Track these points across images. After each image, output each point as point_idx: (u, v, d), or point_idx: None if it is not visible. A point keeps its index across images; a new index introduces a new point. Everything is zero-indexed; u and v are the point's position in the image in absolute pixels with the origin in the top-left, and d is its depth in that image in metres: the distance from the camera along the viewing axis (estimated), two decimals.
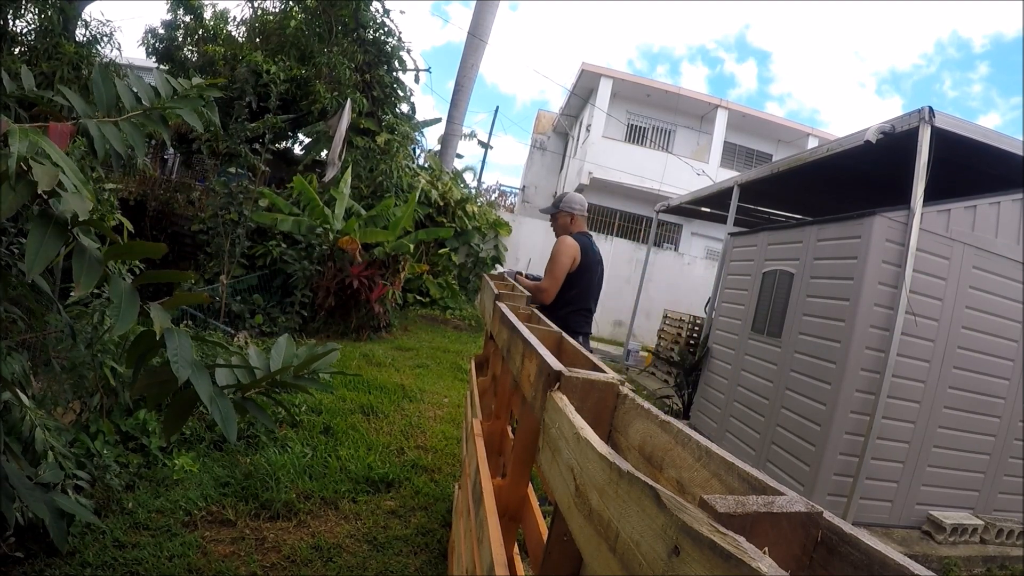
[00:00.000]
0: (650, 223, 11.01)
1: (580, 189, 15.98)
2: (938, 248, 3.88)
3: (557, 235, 3.36)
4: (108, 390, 2.63)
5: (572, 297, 3.20)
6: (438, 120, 12.03)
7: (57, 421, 2.14)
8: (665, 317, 9.40)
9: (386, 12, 9.60)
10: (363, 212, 8.03)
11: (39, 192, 0.92)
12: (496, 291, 2.29)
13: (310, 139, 10.20)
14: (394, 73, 10.09)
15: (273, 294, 6.87)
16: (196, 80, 1.31)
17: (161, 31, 10.78)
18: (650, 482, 0.49)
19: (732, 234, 6.23)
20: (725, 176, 10.32)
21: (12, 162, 0.88)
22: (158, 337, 1.01)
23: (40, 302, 2.01)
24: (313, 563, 2.29)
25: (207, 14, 10.61)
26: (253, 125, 7.28)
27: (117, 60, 8.39)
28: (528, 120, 59.64)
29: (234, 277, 6.28)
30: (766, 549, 0.43)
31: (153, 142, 9.71)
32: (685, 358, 6.51)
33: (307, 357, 1.25)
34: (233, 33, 10.59)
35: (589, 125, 15.96)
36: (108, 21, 8.91)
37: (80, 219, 0.91)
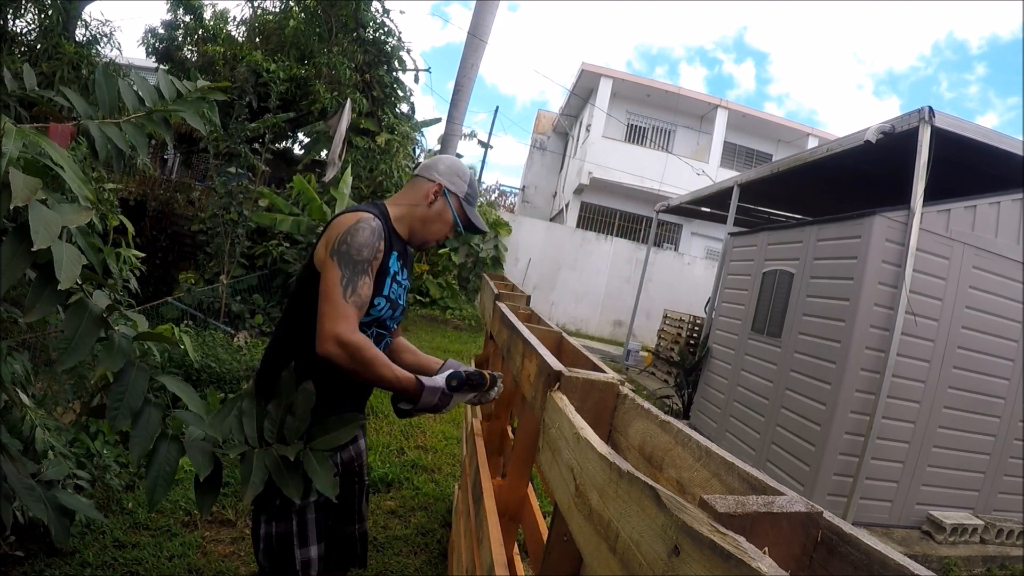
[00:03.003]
0: (650, 223, 11.01)
1: (580, 189, 15.99)
2: (938, 248, 3.88)
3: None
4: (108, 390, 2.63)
5: None
6: (438, 120, 12.01)
7: (57, 421, 2.14)
8: (665, 317, 9.40)
9: (386, 12, 9.60)
10: None
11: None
12: (496, 291, 2.29)
13: (310, 139, 10.19)
14: (394, 73, 10.08)
15: (273, 294, 6.86)
16: (200, 82, 1.30)
17: (161, 31, 10.78)
18: (650, 482, 0.49)
19: (732, 234, 6.23)
20: (725, 176, 10.31)
21: (3, 164, 0.83)
22: (111, 380, 0.98)
23: None
24: None
25: (207, 14, 10.61)
26: (253, 125, 7.27)
27: (117, 60, 8.39)
28: (528, 120, 59.71)
29: (234, 277, 6.28)
30: (766, 549, 0.43)
31: (153, 142, 9.70)
32: (685, 358, 6.51)
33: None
34: (233, 33, 10.59)
35: (589, 125, 15.93)
36: (108, 21, 8.93)
37: (78, 225, 0.89)
